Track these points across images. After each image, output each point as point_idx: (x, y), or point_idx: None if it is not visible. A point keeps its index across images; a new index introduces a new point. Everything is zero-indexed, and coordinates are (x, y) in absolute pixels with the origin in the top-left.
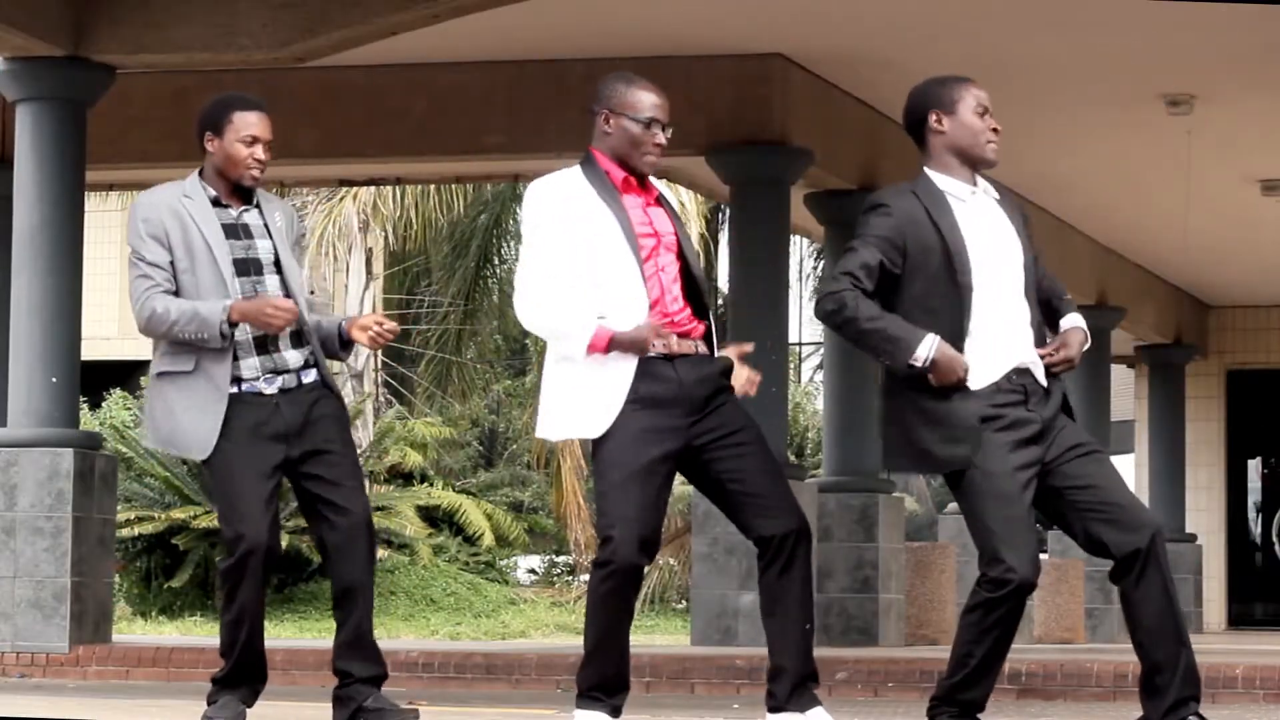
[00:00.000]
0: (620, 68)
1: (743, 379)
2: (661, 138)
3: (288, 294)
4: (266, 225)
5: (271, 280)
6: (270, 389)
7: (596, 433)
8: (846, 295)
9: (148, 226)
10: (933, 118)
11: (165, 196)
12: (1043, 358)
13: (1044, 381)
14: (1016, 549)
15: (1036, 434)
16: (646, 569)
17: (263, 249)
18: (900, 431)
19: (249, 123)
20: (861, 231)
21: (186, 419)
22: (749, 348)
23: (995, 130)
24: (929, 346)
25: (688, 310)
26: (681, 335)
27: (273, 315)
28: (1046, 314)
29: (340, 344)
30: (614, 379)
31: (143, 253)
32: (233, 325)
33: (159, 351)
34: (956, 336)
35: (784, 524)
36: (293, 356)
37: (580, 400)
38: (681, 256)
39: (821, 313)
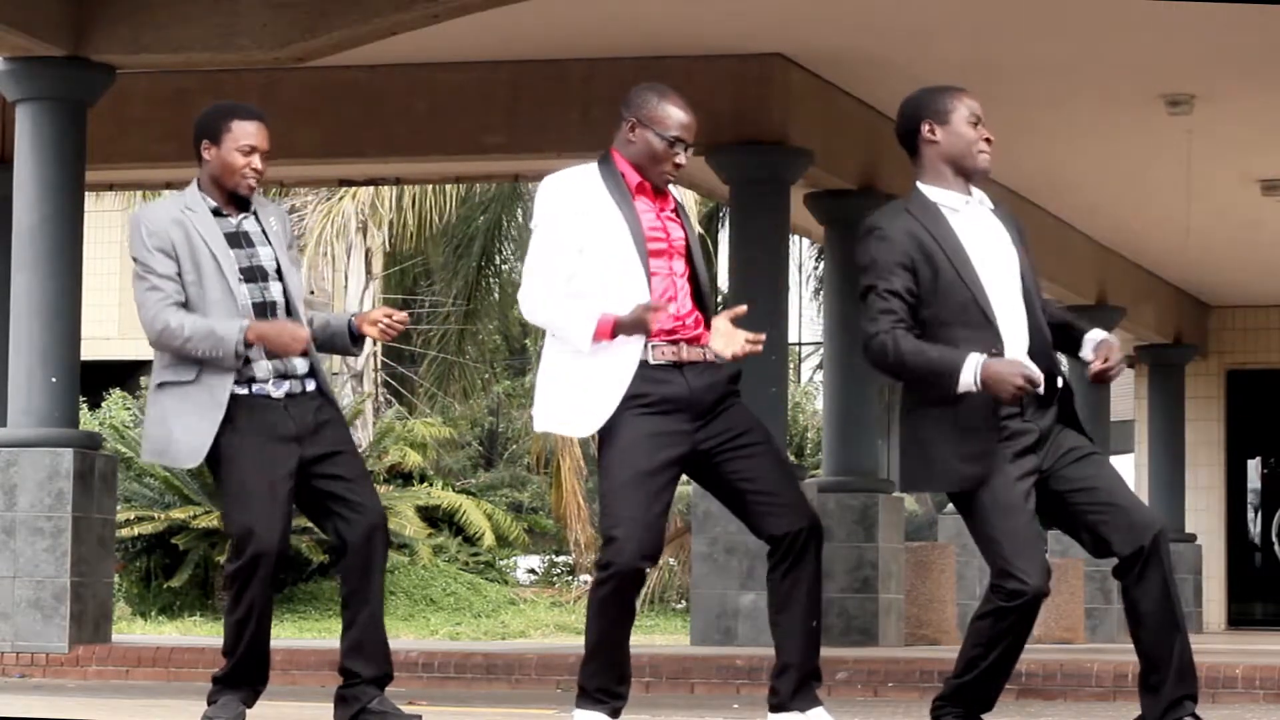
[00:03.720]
0: (621, 68)
1: (739, 340)
2: (682, 158)
3: (289, 301)
4: (265, 232)
5: (275, 287)
6: (278, 392)
7: (585, 432)
8: (885, 339)
9: (154, 240)
10: (925, 127)
11: (168, 209)
12: (1094, 367)
13: (1039, 390)
14: (1027, 558)
15: (1034, 443)
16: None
17: (264, 256)
18: (919, 452)
19: (247, 132)
20: (871, 262)
21: (179, 426)
22: (743, 310)
23: (988, 140)
24: (972, 370)
25: (696, 314)
26: (690, 342)
27: (290, 344)
28: (1064, 338)
29: (351, 339)
30: (611, 378)
31: (151, 265)
32: (248, 346)
33: (160, 363)
34: (990, 341)
35: (795, 522)
36: (299, 362)
37: (574, 397)
38: (691, 263)
39: (870, 361)
